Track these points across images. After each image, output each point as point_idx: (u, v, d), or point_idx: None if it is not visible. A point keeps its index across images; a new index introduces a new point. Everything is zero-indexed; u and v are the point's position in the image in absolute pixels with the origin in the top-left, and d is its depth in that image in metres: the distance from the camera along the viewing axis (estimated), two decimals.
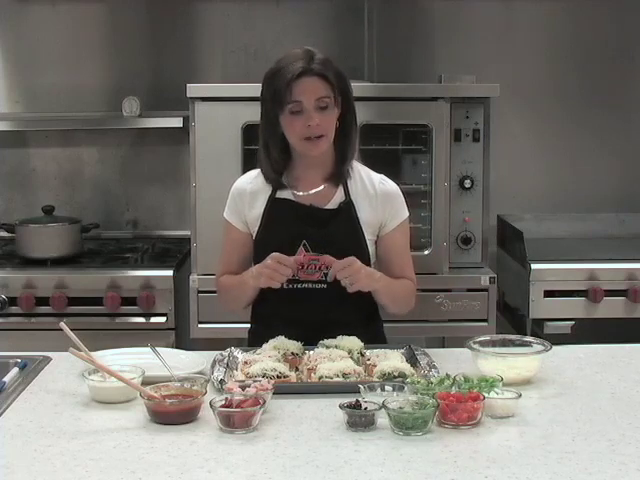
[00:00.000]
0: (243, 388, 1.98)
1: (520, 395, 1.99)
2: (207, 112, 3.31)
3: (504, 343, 2.30)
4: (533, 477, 1.68)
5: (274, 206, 2.54)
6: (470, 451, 1.79)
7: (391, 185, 2.59)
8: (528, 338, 2.35)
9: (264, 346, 2.31)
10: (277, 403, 2.01)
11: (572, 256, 3.60)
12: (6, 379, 2.19)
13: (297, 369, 2.26)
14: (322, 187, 2.54)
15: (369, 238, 2.54)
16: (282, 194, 2.54)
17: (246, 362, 2.22)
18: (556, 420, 1.96)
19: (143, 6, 4.05)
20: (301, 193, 2.54)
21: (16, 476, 1.70)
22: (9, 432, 1.90)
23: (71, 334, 2.12)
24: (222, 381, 2.11)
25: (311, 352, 2.30)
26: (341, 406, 1.91)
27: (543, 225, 4.03)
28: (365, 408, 1.90)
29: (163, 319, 3.45)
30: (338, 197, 2.54)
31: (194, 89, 3.30)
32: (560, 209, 4.11)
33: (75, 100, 4.04)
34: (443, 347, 3.42)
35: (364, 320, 2.57)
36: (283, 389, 2.07)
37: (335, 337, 2.34)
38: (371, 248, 2.55)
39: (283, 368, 2.16)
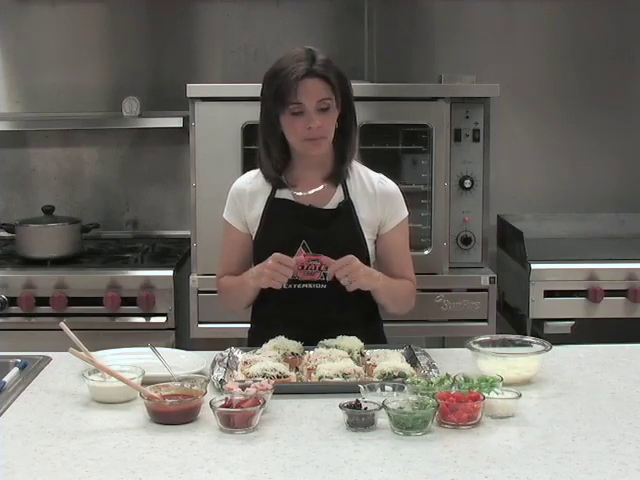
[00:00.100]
0: (243, 388, 1.98)
1: (520, 395, 1.99)
2: (207, 112, 3.31)
3: (504, 343, 2.30)
4: (533, 477, 1.68)
5: (273, 206, 2.54)
6: (470, 451, 1.79)
7: (390, 184, 2.59)
8: (528, 338, 2.35)
9: (264, 346, 2.31)
10: (277, 403, 2.01)
11: (572, 256, 3.60)
12: (6, 379, 2.19)
13: (297, 369, 2.26)
14: (321, 187, 2.54)
15: (368, 238, 2.54)
16: (281, 194, 2.54)
17: (246, 362, 2.22)
18: (556, 420, 1.96)
19: (143, 6, 4.05)
20: (300, 193, 2.54)
21: (16, 476, 1.70)
22: (9, 432, 1.90)
23: (71, 334, 2.12)
24: (222, 381, 2.11)
25: (311, 352, 2.30)
26: (341, 406, 1.91)
27: (543, 225, 4.03)
28: (365, 408, 1.90)
29: (163, 319, 3.45)
30: (337, 197, 2.54)
31: (194, 89, 3.30)
32: (560, 209, 4.11)
33: (75, 100, 4.04)
34: (443, 347, 3.42)
35: (364, 320, 2.57)
36: (283, 389, 2.07)
37: (335, 337, 2.34)
38: (370, 248, 2.55)
39: (283, 368, 2.16)
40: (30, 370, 2.29)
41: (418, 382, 2.03)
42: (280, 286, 2.40)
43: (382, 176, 2.59)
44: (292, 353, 2.29)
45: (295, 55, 2.43)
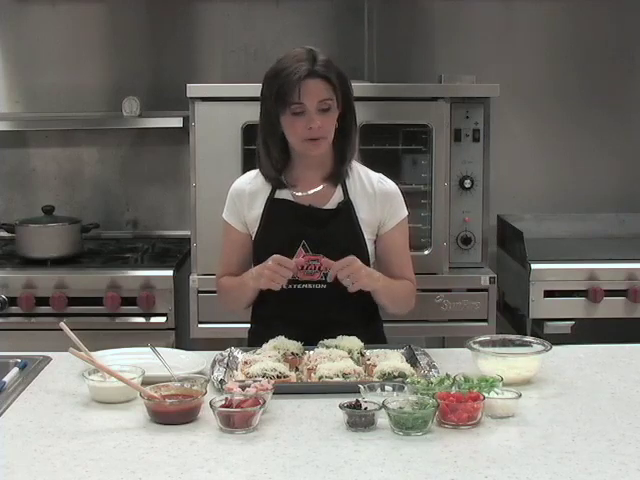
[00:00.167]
0: (243, 388, 1.98)
1: (520, 395, 1.99)
2: (207, 112, 3.31)
3: (504, 343, 2.30)
4: (533, 477, 1.68)
5: (273, 206, 2.54)
6: (470, 451, 1.79)
7: (390, 184, 2.59)
8: (528, 338, 2.35)
9: (264, 346, 2.31)
10: (277, 403, 2.01)
11: (572, 256, 3.60)
12: (6, 379, 2.19)
13: (297, 369, 2.26)
14: (321, 187, 2.54)
15: (368, 238, 2.54)
16: (281, 194, 2.54)
17: (246, 362, 2.22)
18: (556, 420, 1.96)
19: (143, 6, 4.05)
20: (300, 193, 2.54)
21: (16, 476, 1.70)
22: (9, 432, 1.90)
23: (71, 334, 2.12)
24: (222, 381, 2.11)
25: (311, 352, 2.30)
26: (341, 406, 1.91)
27: (543, 225, 4.03)
28: (365, 408, 1.90)
29: (163, 319, 3.45)
30: (337, 197, 2.54)
31: (194, 89, 3.30)
32: (560, 209, 4.11)
33: (75, 100, 4.04)
34: (443, 347, 3.41)
35: (364, 320, 2.57)
36: (283, 389, 2.07)
37: (335, 337, 2.34)
38: (370, 248, 2.55)
39: (283, 368, 2.16)
40: (30, 370, 2.29)
41: (418, 382, 2.03)
42: (279, 288, 2.40)
43: (382, 176, 2.59)
44: (292, 353, 2.29)
45: (296, 55, 2.42)
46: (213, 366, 2.23)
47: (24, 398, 2.11)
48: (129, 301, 3.44)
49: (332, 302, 2.48)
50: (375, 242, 2.57)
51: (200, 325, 3.35)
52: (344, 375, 2.13)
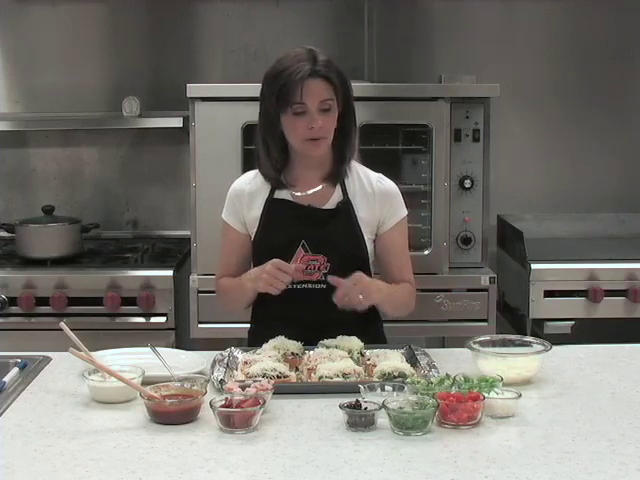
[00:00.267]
0: (243, 388, 1.98)
1: (520, 395, 1.99)
2: (207, 112, 3.31)
3: (504, 343, 2.30)
4: (533, 477, 1.68)
5: (272, 207, 2.54)
6: (470, 451, 1.79)
7: (389, 183, 2.58)
8: (528, 338, 2.35)
9: (264, 346, 2.31)
10: (277, 403, 2.01)
11: (572, 256, 3.60)
12: (6, 379, 2.19)
13: (297, 369, 2.26)
14: (320, 187, 2.54)
15: (367, 237, 2.53)
16: (280, 194, 2.54)
17: (246, 362, 2.22)
18: (556, 420, 1.96)
19: (143, 6, 4.05)
20: (299, 193, 2.54)
21: (16, 476, 1.70)
22: (9, 432, 1.90)
23: (71, 334, 2.12)
24: (222, 381, 2.11)
25: (311, 352, 2.30)
26: (341, 406, 1.91)
27: (543, 225, 4.03)
28: (365, 408, 1.90)
29: (163, 319, 3.45)
30: (336, 197, 2.54)
31: (194, 89, 3.30)
32: (560, 209, 4.11)
33: (75, 100, 4.04)
34: (443, 347, 3.41)
35: (364, 320, 2.56)
36: (283, 389, 2.07)
37: (335, 337, 2.34)
38: (370, 247, 2.54)
39: (283, 368, 2.16)
40: (30, 370, 2.29)
41: (418, 382, 2.03)
42: (277, 292, 2.40)
43: (381, 175, 2.59)
44: (292, 353, 2.29)
45: (296, 55, 2.42)
46: (213, 366, 2.22)
47: (24, 398, 2.11)
48: (129, 301, 3.44)
49: (332, 302, 2.47)
50: (374, 242, 2.57)
51: (200, 325, 3.35)
52: (344, 375, 2.13)
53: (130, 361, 2.19)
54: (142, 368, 2.10)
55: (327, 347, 2.30)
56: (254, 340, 2.54)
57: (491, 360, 2.19)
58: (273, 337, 2.34)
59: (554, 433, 1.89)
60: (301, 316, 2.47)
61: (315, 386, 2.12)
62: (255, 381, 2.02)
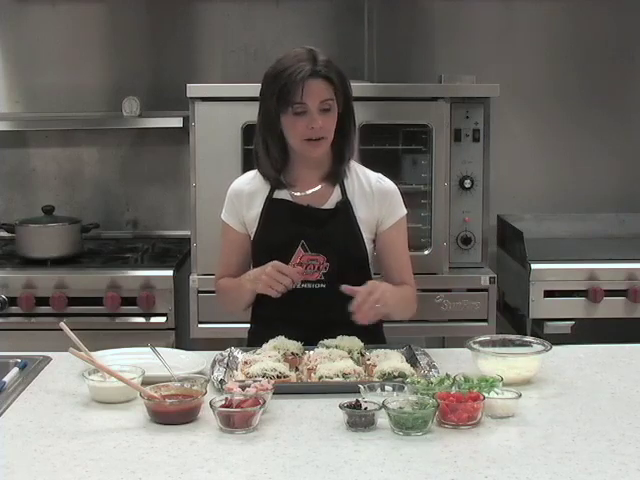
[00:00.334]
0: (243, 388, 1.98)
1: (520, 395, 1.99)
2: (207, 112, 3.31)
3: (504, 343, 2.30)
4: (533, 477, 1.68)
5: (272, 207, 2.54)
6: (470, 451, 1.79)
7: (388, 183, 2.58)
8: (528, 338, 2.35)
9: (264, 346, 2.31)
10: (277, 403, 2.01)
11: (572, 256, 3.60)
12: (6, 379, 2.19)
13: (297, 369, 2.26)
14: (319, 187, 2.54)
15: (367, 237, 2.53)
16: (279, 194, 2.54)
17: (246, 362, 2.22)
18: (556, 420, 1.96)
19: (143, 6, 4.05)
20: (298, 193, 2.54)
21: (16, 476, 1.70)
22: (9, 432, 1.90)
23: (71, 334, 2.12)
24: (222, 381, 2.11)
25: (311, 352, 2.30)
26: (341, 406, 1.91)
27: (543, 225, 4.03)
28: (365, 408, 1.90)
29: (163, 319, 3.45)
30: (335, 197, 2.54)
31: (194, 89, 3.30)
32: (560, 209, 4.11)
33: (75, 100, 4.04)
34: (443, 347, 3.41)
35: None
36: (283, 389, 2.07)
37: (335, 337, 2.34)
38: (369, 247, 2.54)
39: (283, 368, 2.16)
40: (30, 370, 2.29)
41: (418, 382, 2.03)
42: (276, 294, 2.40)
43: (380, 175, 2.59)
44: (292, 353, 2.29)
45: (297, 55, 2.42)
46: (213, 366, 2.22)
47: (24, 398, 2.11)
48: (129, 301, 3.44)
49: (332, 301, 2.48)
50: (374, 242, 2.57)
51: (200, 325, 3.35)
52: (344, 375, 2.13)
53: (130, 361, 2.19)
54: (142, 368, 2.10)
55: (327, 347, 2.30)
56: (254, 340, 2.54)
57: (491, 360, 2.19)
58: (273, 337, 2.34)
59: (554, 433, 1.89)
60: (301, 316, 2.47)
61: (315, 386, 2.12)
62: (255, 381, 2.02)
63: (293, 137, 2.46)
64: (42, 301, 3.43)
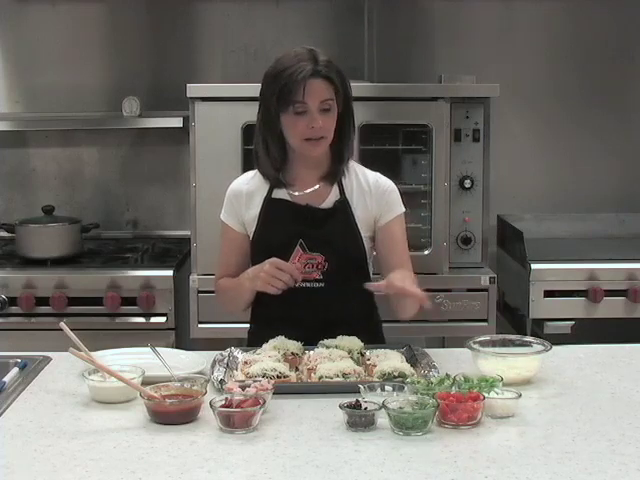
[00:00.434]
0: (243, 388, 1.98)
1: (520, 395, 1.99)
2: (207, 112, 3.31)
3: (504, 343, 2.30)
4: (533, 477, 1.68)
5: (270, 206, 2.54)
6: (470, 451, 1.79)
7: (386, 181, 2.58)
8: (528, 338, 2.35)
9: (264, 346, 2.31)
10: (277, 403, 2.01)
11: (572, 256, 3.60)
12: (6, 379, 2.19)
13: (297, 369, 2.26)
14: (317, 186, 2.54)
15: (365, 235, 2.53)
16: (278, 194, 2.55)
17: (246, 362, 2.22)
18: (556, 420, 1.96)
19: (143, 6, 4.05)
20: (297, 193, 2.54)
21: (16, 476, 1.70)
22: (9, 432, 1.90)
23: (71, 334, 2.12)
24: (222, 381, 2.11)
25: (311, 352, 2.30)
26: (341, 406, 1.91)
27: (543, 225, 4.03)
28: (365, 408, 1.90)
29: (163, 319, 3.45)
30: (333, 196, 2.54)
31: (194, 89, 3.30)
32: (560, 209, 4.11)
33: (75, 100, 4.04)
34: (443, 347, 3.41)
35: (363, 318, 2.57)
36: (283, 389, 2.07)
37: (335, 337, 2.34)
38: (367, 246, 2.54)
39: (283, 368, 2.16)
40: (30, 370, 2.29)
41: (418, 382, 2.03)
42: (276, 292, 2.40)
43: (379, 174, 2.60)
44: (292, 353, 2.29)
45: (297, 55, 2.43)
46: (213, 366, 2.22)
47: (24, 398, 2.11)
48: (129, 301, 3.44)
49: (331, 300, 2.49)
50: (374, 239, 2.56)
51: (200, 325, 3.35)
52: (344, 375, 2.13)
53: (130, 361, 2.19)
54: (142, 368, 2.10)
55: (327, 347, 2.30)
56: (254, 340, 2.54)
57: (491, 360, 2.19)
58: (273, 337, 2.34)
59: (554, 433, 1.89)
60: (300, 315, 2.47)
61: (315, 386, 2.12)
62: (255, 381, 2.02)
63: (293, 136, 2.46)
64: (42, 301, 3.43)
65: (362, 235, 2.53)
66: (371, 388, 2.01)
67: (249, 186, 2.58)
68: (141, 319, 3.46)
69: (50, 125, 3.98)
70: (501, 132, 3.73)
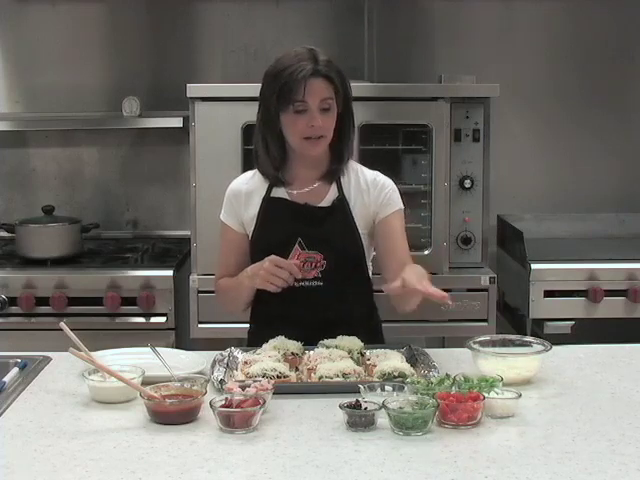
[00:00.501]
0: (243, 388, 1.98)
1: (520, 395, 1.99)
2: (207, 112, 3.31)
3: (504, 343, 2.30)
4: (533, 477, 1.68)
5: (269, 205, 2.54)
6: (470, 451, 1.79)
7: (384, 178, 2.58)
8: (528, 338, 2.35)
9: (264, 346, 2.31)
10: (277, 403, 2.01)
11: (572, 256, 3.60)
12: (6, 379, 2.19)
13: (297, 369, 2.26)
14: (316, 185, 2.54)
15: (363, 232, 2.53)
16: (277, 193, 2.55)
17: (246, 362, 2.22)
18: (556, 420, 1.96)
19: (143, 6, 4.05)
20: (295, 192, 2.54)
21: (16, 476, 1.70)
22: (9, 432, 1.90)
23: (71, 334, 2.12)
24: (222, 381, 2.11)
25: (311, 352, 2.30)
26: (341, 406, 1.91)
27: (543, 225, 4.03)
28: (365, 408, 1.90)
29: (163, 319, 3.45)
30: (332, 194, 2.54)
31: (194, 89, 3.30)
32: (560, 209, 4.11)
33: (75, 100, 4.04)
34: (443, 347, 3.41)
35: (363, 317, 2.57)
36: (283, 389, 2.07)
37: (335, 337, 2.34)
38: (366, 243, 2.54)
39: (283, 368, 2.16)
40: (30, 370, 2.29)
41: (418, 382, 2.03)
42: (275, 289, 2.40)
43: (377, 172, 2.60)
44: (292, 353, 2.29)
45: (297, 54, 2.43)
46: (213, 366, 2.22)
47: (24, 398, 2.11)
48: (129, 301, 3.44)
49: (330, 299, 2.49)
50: (373, 236, 2.55)
51: (200, 325, 3.35)
52: (344, 375, 2.13)
53: (130, 361, 2.19)
54: (142, 368, 2.10)
55: (327, 347, 2.30)
56: (254, 340, 2.54)
57: (491, 360, 2.19)
58: (273, 337, 2.34)
59: (554, 433, 1.89)
60: (300, 313, 2.47)
61: (315, 386, 2.12)
62: (255, 381, 2.02)
63: (293, 135, 2.46)
64: (42, 301, 3.43)
65: (360, 233, 2.53)
66: (371, 388, 2.01)
67: (248, 186, 2.58)
68: (141, 319, 3.46)
69: (50, 125, 3.98)
70: (501, 132, 3.73)
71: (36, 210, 3.83)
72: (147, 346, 2.26)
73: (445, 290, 3.32)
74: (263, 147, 2.53)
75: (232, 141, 3.30)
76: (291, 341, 2.32)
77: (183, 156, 3.78)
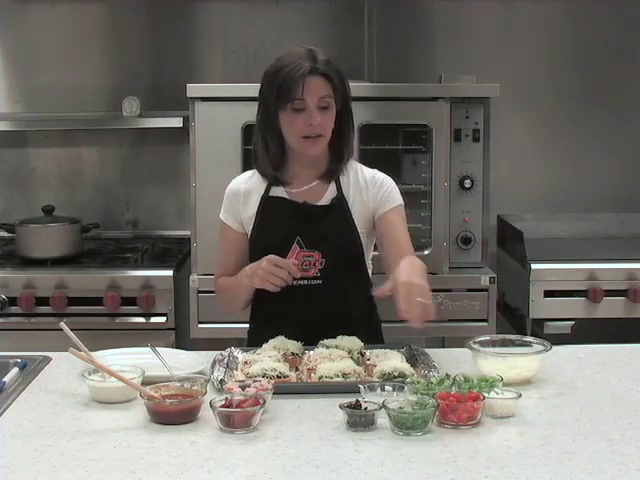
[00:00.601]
0: (243, 388, 1.98)
1: (520, 395, 1.99)
2: (207, 112, 3.31)
3: (504, 343, 2.30)
4: (533, 477, 1.68)
5: (268, 204, 2.54)
6: (470, 451, 1.79)
7: (382, 176, 2.57)
8: (528, 338, 2.34)
9: (264, 346, 2.31)
10: (277, 403, 2.01)
11: (572, 256, 3.60)
12: (6, 379, 2.19)
13: (297, 369, 2.26)
14: (314, 183, 2.54)
15: (362, 231, 2.52)
16: (275, 192, 2.55)
17: (246, 362, 2.22)
18: (556, 420, 1.96)
19: (143, 6, 4.06)
20: (294, 190, 2.54)
21: (16, 476, 1.70)
22: (9, 432, 1.90)
23: (71, 334, 2.12)
24: (222, 381, 2.11)
25: (311, 352, 2.30)
26: (341, 406, 1.91)
27: (543, 225, 4.03)
28: (365, 408, 1.90)
29: (163, 319, 3.45)
30: (330, 193, 2.54)
31: (194, 89, 3.30)
32: (560, 209, 4.12)
33: (75, 100, 4.05)
34: (443, 347, 3.41)
35: (362, 316, 2.57)
36: (283, 389, 2.06)
37: (335, 337, 2.34)
38: (365, 242, 2.54)
39: (283, 368, 2.16)
40: (30, 370, 2.29)
41: (418, 382, 2.03)
42: (274, 289, 2.40)
43: (376, 170, 2.59)
44: (292, 353, 2.29)
45: (297, 54, 2.44)
46: (213, 366, 2.22)
47: (24, 398, 2.11)
48: (129, 301, 3.44)
49: (329, 297, 2.49)
50: (374, 233, 2.55)
51: (200, 325, 3.35)
52: (344, 375, 2.13)
53: (130, 361, 2.19)
54: (142, 368, 2.10)
55: (327, 347, 2.30)
56: (254, 340, 2.54)
57: (491, 360, 2.19)
58: (273, 337, 2.34)
59: (554, 433, 1.89)
60: (299, 312, 2.47)
61: (315, 386, 2.12)
62: (255, 381, 2.02)
63: (291, 134, 2.46)
64: (42, 301, 3.43)
65: (359, 231, 2.52)
66: (371, 388, 2.01)
67: (247, 185, 2.58)
68: (141, 319, 3.46)
69: (50, 125, 3.98)
70: (501, 132, 3.73)
71: (36, 210, 3.83)
72: (147, 346, 2.26)
73: (445, 290, 3.39)
74: (262, 147, 2.53)
75: (232, 141, 3.30)
76: (291, 341, 2.32)
77: (183, 156, 3.78)
